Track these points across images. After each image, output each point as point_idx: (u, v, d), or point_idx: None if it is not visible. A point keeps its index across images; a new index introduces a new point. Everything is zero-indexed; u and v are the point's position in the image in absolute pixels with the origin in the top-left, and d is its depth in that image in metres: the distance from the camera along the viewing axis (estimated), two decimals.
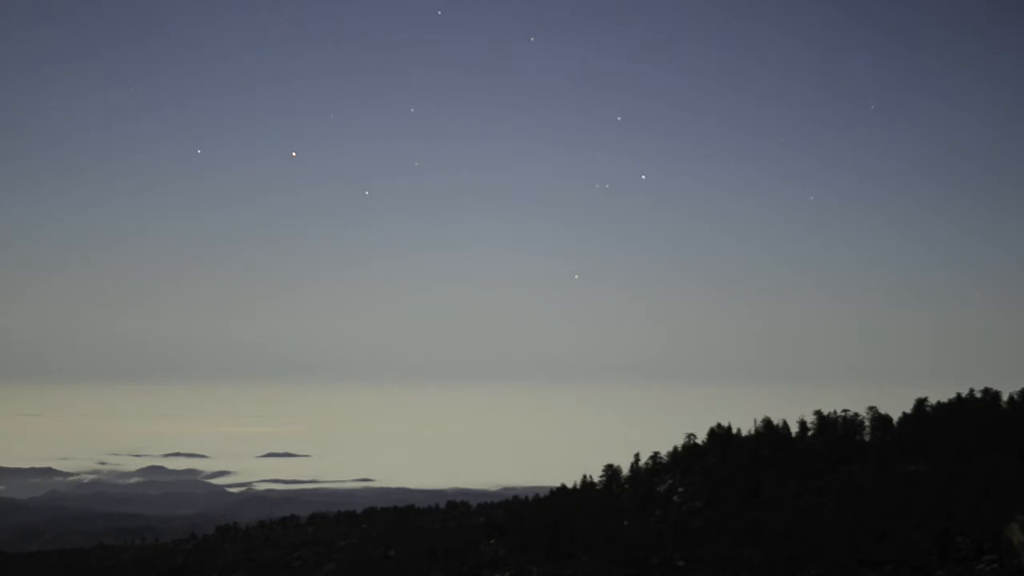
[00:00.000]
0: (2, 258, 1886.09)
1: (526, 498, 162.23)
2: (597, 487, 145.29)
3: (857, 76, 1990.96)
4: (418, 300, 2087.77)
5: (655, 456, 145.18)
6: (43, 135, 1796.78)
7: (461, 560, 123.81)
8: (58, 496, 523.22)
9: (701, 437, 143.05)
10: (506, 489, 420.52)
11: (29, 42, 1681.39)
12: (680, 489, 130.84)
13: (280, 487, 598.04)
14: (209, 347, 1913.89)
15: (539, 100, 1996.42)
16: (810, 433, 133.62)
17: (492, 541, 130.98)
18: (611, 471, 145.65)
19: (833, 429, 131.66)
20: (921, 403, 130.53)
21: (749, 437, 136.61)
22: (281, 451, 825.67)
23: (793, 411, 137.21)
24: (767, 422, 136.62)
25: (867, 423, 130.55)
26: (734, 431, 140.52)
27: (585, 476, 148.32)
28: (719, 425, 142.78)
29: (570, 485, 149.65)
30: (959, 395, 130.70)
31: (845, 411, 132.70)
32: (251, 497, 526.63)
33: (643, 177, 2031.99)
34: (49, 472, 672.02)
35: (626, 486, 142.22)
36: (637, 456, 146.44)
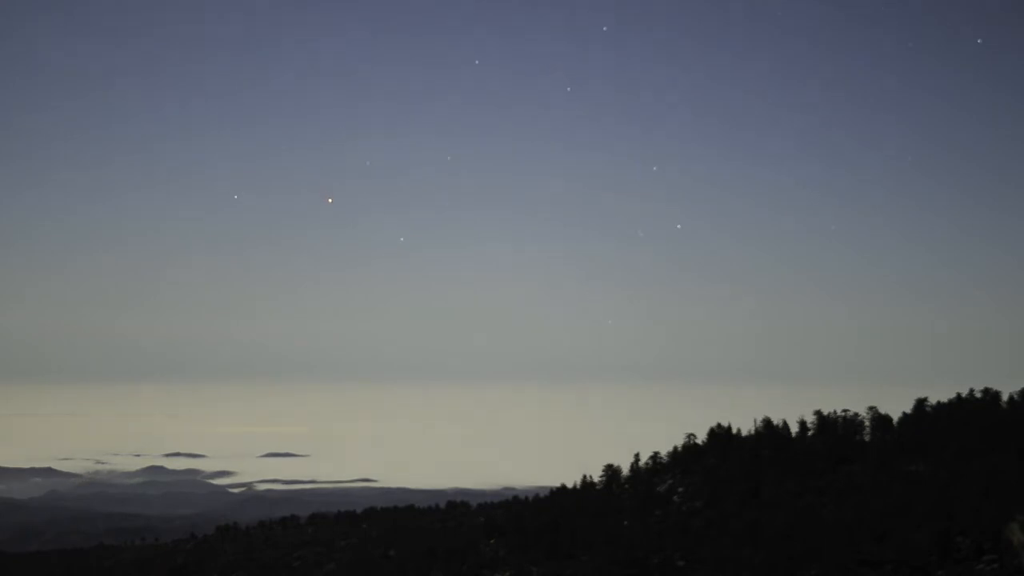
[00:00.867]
0: (2, 258, 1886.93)
1: (526, 498, 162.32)
2: (597, 487, 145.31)
3: (857, 76, 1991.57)
4: (418, 300, 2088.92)
5: (655, 456, 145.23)
6: (43, 134, 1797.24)
7: (461, 560, 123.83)
8: (58, 496, 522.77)
9: (701, 437, 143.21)
10: (506, 489, 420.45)
11: (29, 41, 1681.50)
12: (680, 489, 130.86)
13: (280, 487, 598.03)
14: (209, 347, 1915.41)
15: (539, 99, 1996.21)
16: (810, 433, 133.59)
17: (492, 541, 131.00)
18: (611, 471, 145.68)
19: (833, 429, 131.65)
20: (921, 403, 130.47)
21: (749, 437, 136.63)
22: (281, 451, 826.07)
23: (793, 411, 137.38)
24: (767, 422, 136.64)
25: (867, 423, 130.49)
26: (734, 431, 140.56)
27: (585, 476, 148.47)
28: (719, 425, 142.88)
29: (570, 485, 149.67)
30: (959, 395, 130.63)
31: (845, 411, 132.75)
32: (251, 497, 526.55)
33: (655, 168, 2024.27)
34: (49, 472, 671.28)
35: (626, 486, 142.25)
36: (637, 456, 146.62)
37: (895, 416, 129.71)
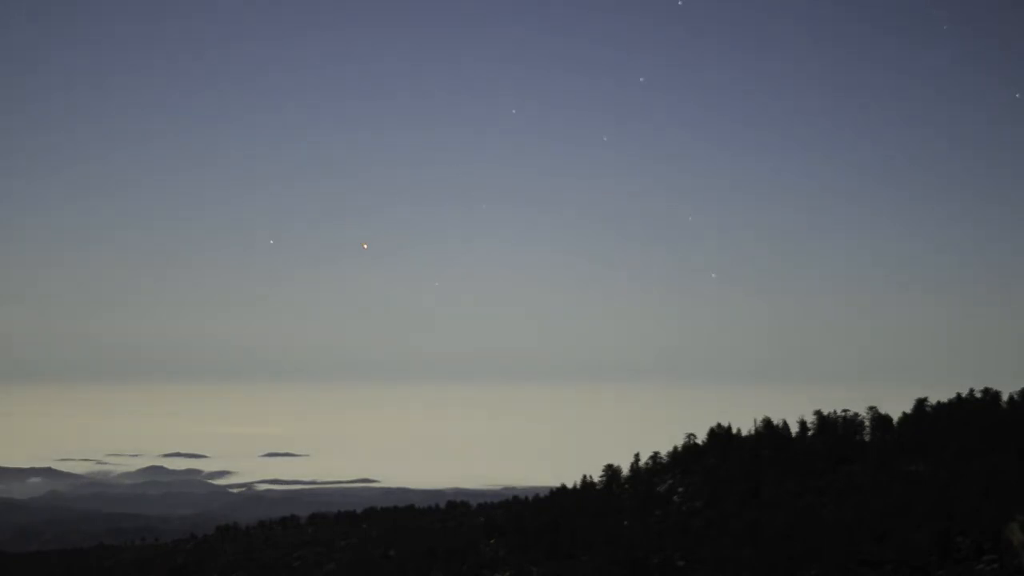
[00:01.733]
0: (2, 258, 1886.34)
1: (526, 498, 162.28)
2: (597, 487, 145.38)
3: (857, 76, 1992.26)
4: (418, 300, 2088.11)
5: (655, 456, 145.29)
6: (43, 134, 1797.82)
7: (461, 560, 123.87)
8: (58, 496, 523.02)
9: (701, 437, 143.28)
10: (506, 489, 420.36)
11: (28, 42, 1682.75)
12: (680, 489, 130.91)
13: (280, 487, 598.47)
14: (209, 347, 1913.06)
15: (539, 97, 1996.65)
16: (810, 433, 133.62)
17: (492, 541, 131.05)
18: (611, 471, 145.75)
19: (833, 429, 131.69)
20: (921, 403, 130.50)
21: (749, 437, 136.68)
22: (281, 451, 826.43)
23: (793, 411, 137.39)
24: (767, 422, 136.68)
25: (867, 423, 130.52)
26: (734, 431, 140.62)
27: (585, 476, 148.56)
28: (719, 425, 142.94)
29: (570, 485, 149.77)
30: (959, 395, 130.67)
31: (845, 411, 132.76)
32: (251, 497, 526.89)
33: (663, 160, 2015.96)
34: (49, 472, 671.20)
35: (626, 486, 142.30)
36: (637, 456, 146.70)
37: (895, 416, 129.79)
